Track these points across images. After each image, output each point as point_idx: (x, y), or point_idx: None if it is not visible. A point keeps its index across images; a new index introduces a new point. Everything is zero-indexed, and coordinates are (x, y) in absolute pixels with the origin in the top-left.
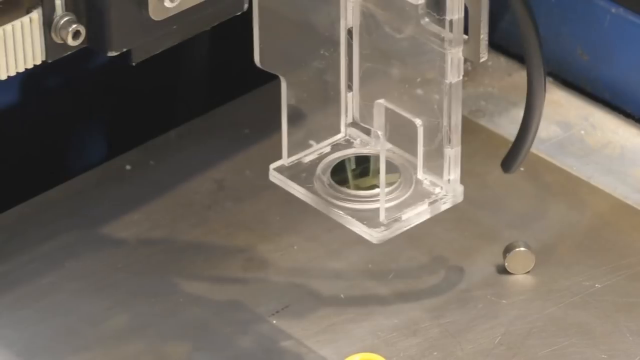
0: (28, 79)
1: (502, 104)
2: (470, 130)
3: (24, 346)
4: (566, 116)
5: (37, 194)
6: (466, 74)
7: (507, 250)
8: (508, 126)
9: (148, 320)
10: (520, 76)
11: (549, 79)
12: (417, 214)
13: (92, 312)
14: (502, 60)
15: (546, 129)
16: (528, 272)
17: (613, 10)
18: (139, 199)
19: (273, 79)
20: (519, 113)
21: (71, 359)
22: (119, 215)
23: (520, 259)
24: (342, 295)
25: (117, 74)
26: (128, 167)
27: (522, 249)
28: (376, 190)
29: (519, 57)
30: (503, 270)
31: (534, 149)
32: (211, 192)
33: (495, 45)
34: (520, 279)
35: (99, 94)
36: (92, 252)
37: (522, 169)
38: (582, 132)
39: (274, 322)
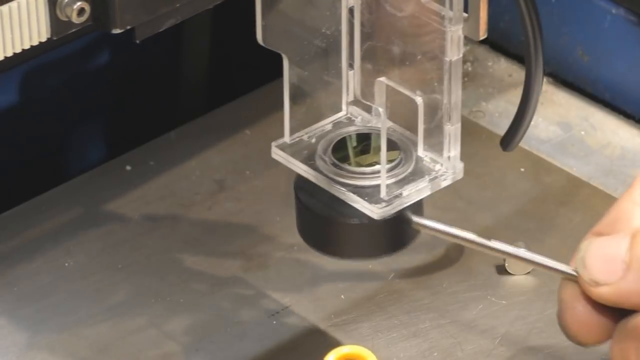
0: (28, 78)
1: (502, 104)
2: (471, 130)
3: (24, 346)
4: (566, 117)
5: (37, 194)
6: (466, 74)
7: None
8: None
9: (148, 320)
10: (520, 76)
11: (549, 79)
12: (418, 190)
13: (92, 312)
14: (502, 61)
15: (546, 130)
16: (528, 272)
17: (613, 10)
18: (139, 199)
19: (273, 79)
20: None
21: (71, 358)
22: (119, 215)
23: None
24: (342, 296)
25: (117, 74)
26: (128, 167)
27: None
28: (377, 167)
29: (519, 58)
30: (503, 271)
31: (534, 150)
32: (211, 192)
33: (496, 45)
34: (521, 279)
35: (99, 94)
36: (92, 252)
37: (522, 169)
38: (582, 132)
39: (274, 322)
